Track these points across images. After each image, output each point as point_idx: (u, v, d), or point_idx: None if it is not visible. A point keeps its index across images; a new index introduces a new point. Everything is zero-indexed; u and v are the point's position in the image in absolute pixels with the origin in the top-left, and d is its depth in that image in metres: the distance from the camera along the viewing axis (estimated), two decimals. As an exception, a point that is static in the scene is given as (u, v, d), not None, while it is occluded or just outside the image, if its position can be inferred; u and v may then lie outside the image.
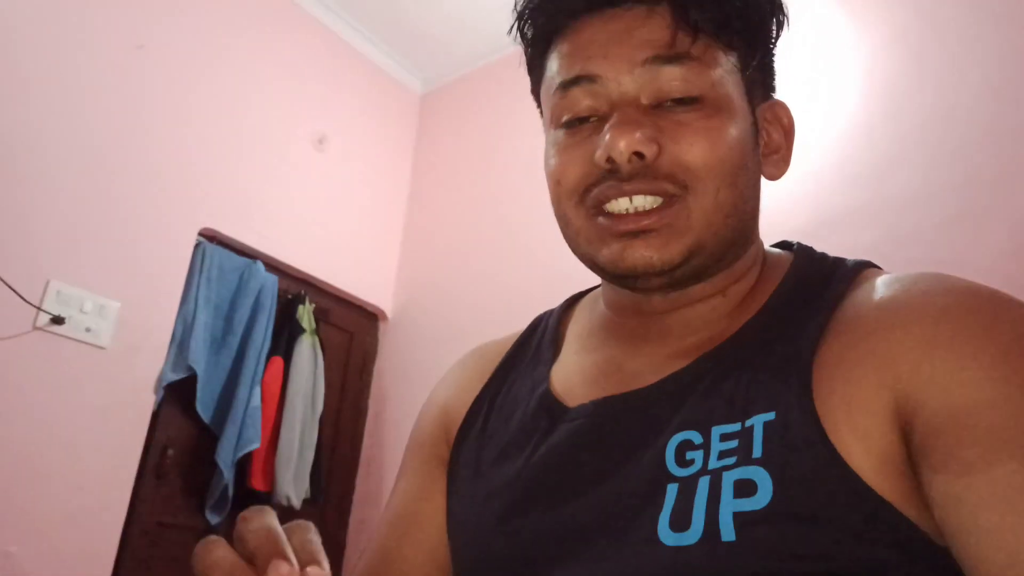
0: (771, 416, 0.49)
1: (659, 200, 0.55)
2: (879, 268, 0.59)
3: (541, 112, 0.67)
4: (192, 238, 2.66)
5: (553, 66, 0.61)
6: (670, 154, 0.54)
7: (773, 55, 0.63)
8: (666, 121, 0.55)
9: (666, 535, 0.47)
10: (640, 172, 0.54)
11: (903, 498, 0.44)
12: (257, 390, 2.68)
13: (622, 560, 0.49)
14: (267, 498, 2.69)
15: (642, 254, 0.55)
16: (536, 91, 0.68)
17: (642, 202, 0.55)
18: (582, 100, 0.57)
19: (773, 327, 0.55)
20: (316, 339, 2.99)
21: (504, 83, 3.38)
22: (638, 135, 0.53)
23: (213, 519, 2.57)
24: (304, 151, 3.11)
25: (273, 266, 2.92)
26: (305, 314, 2.97)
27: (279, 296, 2.89)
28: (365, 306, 3.33)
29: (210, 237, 2.75)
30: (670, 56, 0.55)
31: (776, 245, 0.67)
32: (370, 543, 0.70)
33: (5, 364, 2.10)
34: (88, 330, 2.28)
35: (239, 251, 2.83)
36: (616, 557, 0.50)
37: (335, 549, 3.07)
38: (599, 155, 0.55)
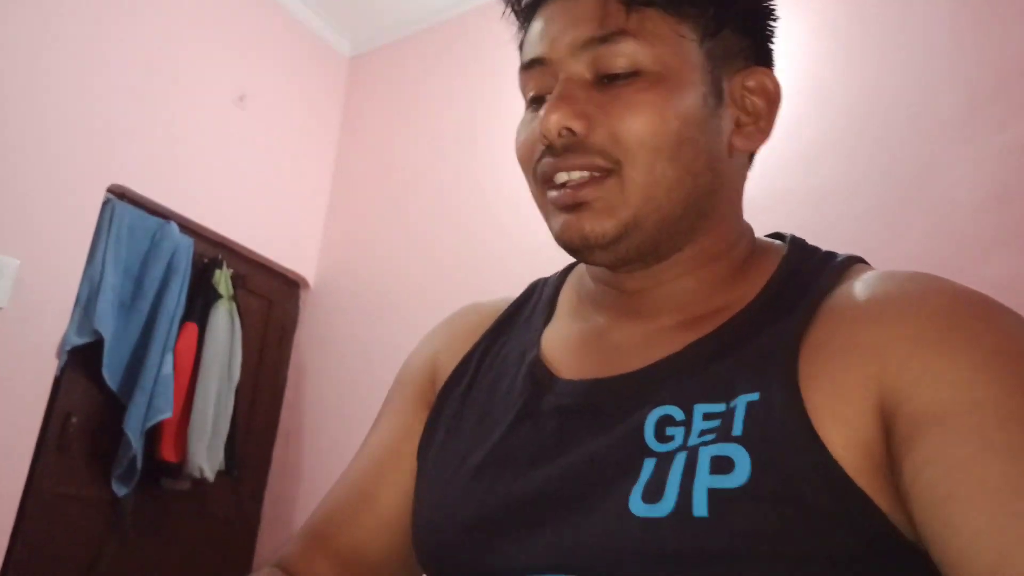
0: (755, 396, 0.49)
1: (590, 175, 0.56)
2: (868, 264, 0.59)
3: None
4: (100, 194, 2.50)
5: (524, 44, 0.63)
6: (604, 128, 0.55)
7: (758, 22, 0.62)
8: (605, 96, 0.55)
9: (637, 506, 0.47)
10: (572, 147, 0.55)
11: (878, 490, 0.44)
12: (169, 357, 2.56)
13: (589, 528, 0.49)
14: (178, 469, 2.59)
15: (577, 228, 0.56)
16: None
17: (577, 176, 0.56)
18: (535, 81, 0.60)
19: (765, 315, 0.55)
20: (233, 305, 2.87)
21: (436, 50, 3.30)
22: (567, 110, 0.54)
23: (120, 491, 2.45)
24: (224, 108, 2.97)
25: (188, 228, 2.79)
26: (222, 279, 2.86)
27: (194, 259, 2.76)
28: (286, 273, 3.23)
29: (120, 194, 2.59)
30: (604, 36, 0.55)
31: (769, 236, 0.67)
32: (341, 480, 0.69)
33: None
34: (-18, 289, 2.13)
35: (151, 211, 2.68)
36: (583, 525, 0.50)
37: (249, 523, 2.99)
38: (535, 130, 0.57)
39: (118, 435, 2.43)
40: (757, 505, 0.44)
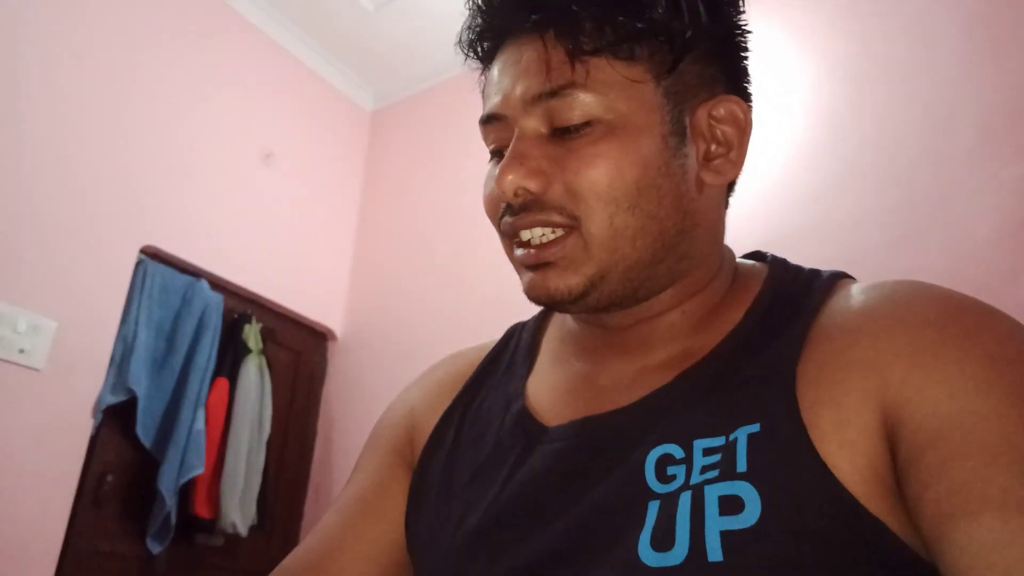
0: (755, 428, 0.47)
1: (557, 232, 0.55)
2: (853, 278, 0.58)
3: None
4: (133, 255, 2.57)
5: None
6: (560, 184, 0.54)
7: (724, 48, 0.58)
8: (561, 149, 0.54)
9: (648, 555, 0.45)
10: (529, 206, 0.55)
11: (889, 512, 0.44)
12: (201, 413, 2.60)
13: None
14: (212, 525, 2.60)
15: (544, 286, 0.55)
16: None
17: (539, 233, 0.55)
18: (493, 135, 0.59)
19: (754, 339, 0.54)
20: (263, 359, 2.91)
21: (456, 102, 3.37)
22: (521, 170, 0.54)
23: (155, 548, 2.46)
24: (251, 167, 3.05)
25: (218, 285, 2.84)
26: (251, 334, 2.90)
27: (224, 315, 2.82)
28: (314, 326, 3.27)
29: (152, 254, 2.66)
30: (553, 90, 0.54)
31: (748, 256, 0.66)
32: (312, 534, 0.66)
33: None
34: (22, 351, 2.19)
35: (182, 269, 2.75)
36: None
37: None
38: (492, 188, 0.57)
39: (152, 492, 2.46)
40: (772, 544, 0.43)
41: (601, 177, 0.53)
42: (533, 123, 0.55)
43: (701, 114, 0.57)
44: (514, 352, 0.70)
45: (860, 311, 0.50)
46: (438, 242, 3.18)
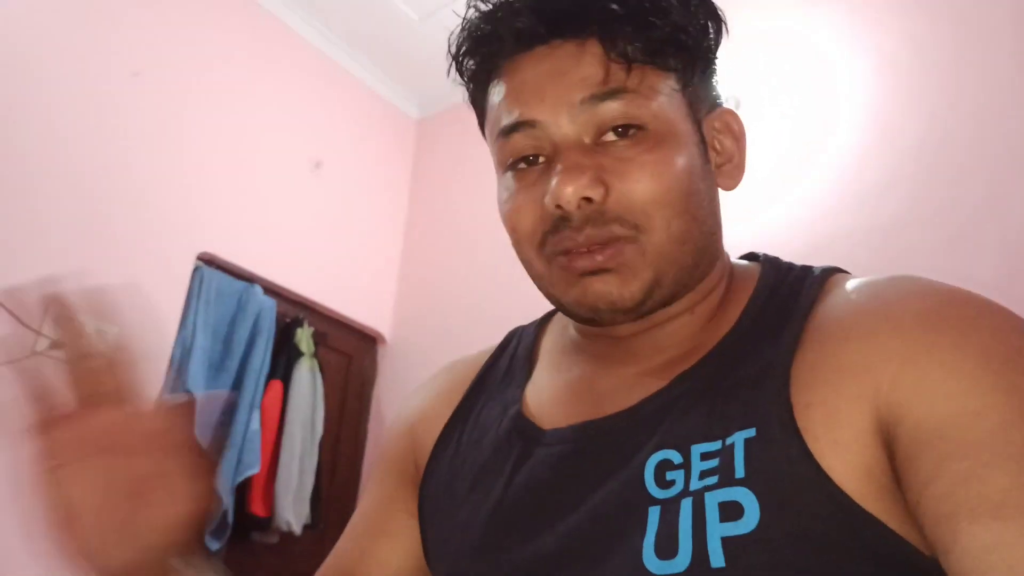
0: (751, 433, 0.47)
1: (611, 242, 0.54)
2: (847, 272, 0.58)
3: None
4: (190, 262, 2.67)
5: (494, 105, 0.60)
6: (617, 193, 0.53)
7: (714, 65, 0.60)
8: (609, 159, 0.54)
9: (652, 562, 0.46)
10: (591, 217, 0.53)
11: (885, 511, 0.43)
12: (256, 414, 2.68)
13: None
14: (267, 523, 2.68)
15: (604, 293, 0.54)
16: (482, 125, 0.67)
17: (596, 242, 0.54)
18: (525, 144, 0.57)
19: (748, 341, 0.54)
20: (315, 362, 2.99)
21: (500, 107, 3.40)
22: (584, 180, 0.52)
23: (213, 545, 2.54)
24: (301, 175, 3.13)
25: (271, 290, 2.93)
26: (303, 337, 2.98)
27: (277, 320, 2.90)
28: (363, 329, 3.34)
29: (208, 261, 2.75)
30: (606, 93, 0.53)
31: (742, 257, 0.66)
32: (327, 561, 0.68)
33: (4, 390, 2.10)
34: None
35: (237, 275, 2.83)
36: None
37: None
38: (548, 200, 0.54)
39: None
40: (772, 548, 0.43)
41: (659, 185, 0.53)
42: (577, 129, 0.54)
43: (707, 125, 0.59)
44: (512, 358, 0.69)
45: (851, 310, 0.50)
46: (483, 246, 3.21)
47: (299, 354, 2.94)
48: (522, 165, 0.58)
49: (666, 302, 0.56)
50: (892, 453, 0.44)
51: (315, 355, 3.00)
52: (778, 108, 2.43)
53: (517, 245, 0.59)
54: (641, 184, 0.53)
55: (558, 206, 0.53)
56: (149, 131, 2.61)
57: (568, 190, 0.52)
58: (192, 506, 0.49)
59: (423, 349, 3.27)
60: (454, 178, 3.50)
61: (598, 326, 0.58)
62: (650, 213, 0.53)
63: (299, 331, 2.97)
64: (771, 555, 0.43)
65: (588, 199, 0.53)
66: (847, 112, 2.31)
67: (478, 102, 0.64)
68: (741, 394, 0.50)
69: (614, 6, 0.53)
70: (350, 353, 3.30)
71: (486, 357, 0.72)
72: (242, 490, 2.62)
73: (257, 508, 2.66)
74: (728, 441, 0.48)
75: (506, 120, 0.57)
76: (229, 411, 2.64)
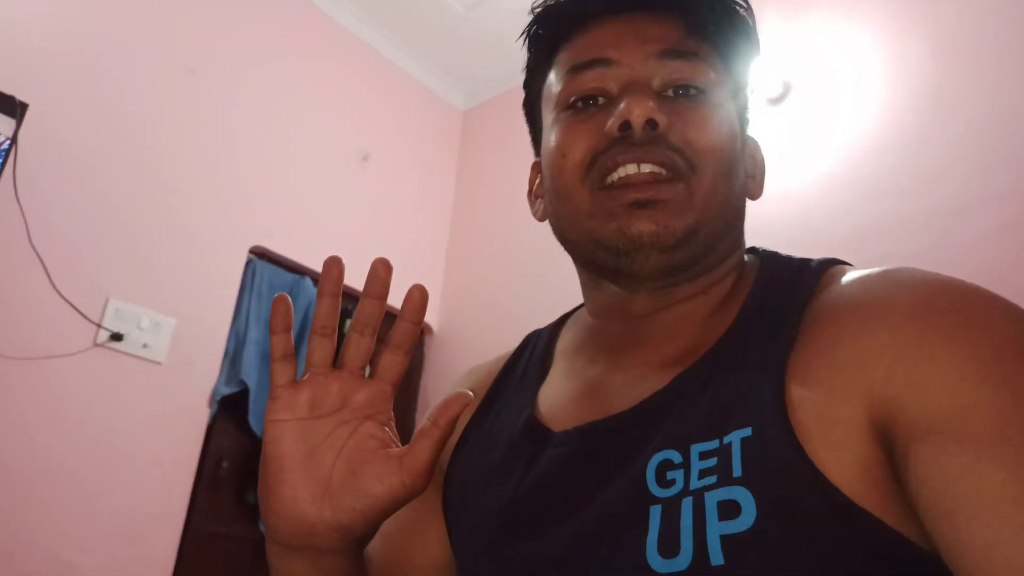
0: (747, 432, 0.48)
1: (665, 172, 0.57)
2: (846, 264, 0.58)
3: (531, 129, 0.72)
4: (243, 255, 2.73)
5: (562, 61, 0.64)
6: (679, 130, 0.57)
7: (749, 90, 0.66)
8: (674, 106, 0.58)
9: (655, 561, 0.47)
10: (653, 139, 0.56)
11: (879, 505, 0.43)
12: (307, 403, 2.73)
13: None
14: (317, 510, 2.74)
15: (648, 224, 0.55)
16: (529, 103, 0.71)
17: (648, 170, 0.56)
18: (593, 82, 0.60)
19: (747, 339, 0.54)
20: (363, 353, 3.03)
21: (545, 97, 3.40)
22: (653, 104, 0.56)
23: (261, 529, 2.61)
24: (349, 168, 3.18)
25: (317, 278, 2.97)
26: (353, 328, 3.02)
27: (327, 311, 2.94)
28: (411, 320, 3.37)
29: (260, 254, 2.81)
30: (681, 51, 0.59)
31: (747, 251, 0.67)
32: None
33: (67, 379, 2.18)
34: (145, 346, 2.36)
35: (288, 267, 2.89)
36: None
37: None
38: (612, 123, 0.57)
39: (264, 478, 2.60)
40: (769, 545, 0.43)
41: (717, 139, 0.58)
42: (646, 75, 0.58)
43: (752, 147, 0.66)
44: (528, 362, 0.72)
45: (843, 305, 0.50)
46: (530, 237, 3.22)
47: (348, 345, 2.98)
48: (580, 105, 0.61)
49: (692, 262, 0.58)
50: (889, 449, 0.44)
51: (364, 346, 3.04)
52: (830, 91, 2.38)
53: (559, 174, 0.61)
54: (702, 131, 0.57)
55: (623, 126, 0.56)
56: (203, 126, 2.68)
57: (637, 109, 0.55)
58: (398, 485, 0.50)
59: (469, 341, 3.30)
60: (500, 168, 3.51)
61: (624, 271, 0.59)
62: (705, 159, 0.57)
63: (348, 322, 3.01)
64: (768, 552, 0.43)
65: (654, 124, 0.55)
66: (902, 93, 2.24)
67: (538, 70, 0.68)
68: (738, 393, 0.50)
69: None
70: (398, 344, 3.34)
71: (504, 361, 0.74)
72: (294, 478, 2.68)
73: (309, 495, 2.72)
74: (726, 440, 0.48)
75: (579, 59, 0.61)
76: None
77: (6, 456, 2.05)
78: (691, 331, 0.59)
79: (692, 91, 0.59)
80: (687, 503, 0.47)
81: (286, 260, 2.88)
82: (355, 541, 0.52)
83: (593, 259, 0.61)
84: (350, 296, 3.20)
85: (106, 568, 2.19)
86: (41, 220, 2.19)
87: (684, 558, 0.45)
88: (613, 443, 0.55)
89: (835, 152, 2.31)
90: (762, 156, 0.67)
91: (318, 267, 2.92)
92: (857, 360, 0.46)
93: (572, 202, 0.60)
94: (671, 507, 0.48)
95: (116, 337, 2.28)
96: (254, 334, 2.68)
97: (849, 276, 0.53)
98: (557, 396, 0.64)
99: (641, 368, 0.59)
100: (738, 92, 0.63)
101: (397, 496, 0.50)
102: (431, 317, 3.42)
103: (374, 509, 0.50)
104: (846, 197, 2.22)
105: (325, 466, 0.51)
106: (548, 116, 0.65)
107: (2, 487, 2.03)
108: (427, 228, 3.51)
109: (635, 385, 0.58)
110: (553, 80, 0.64)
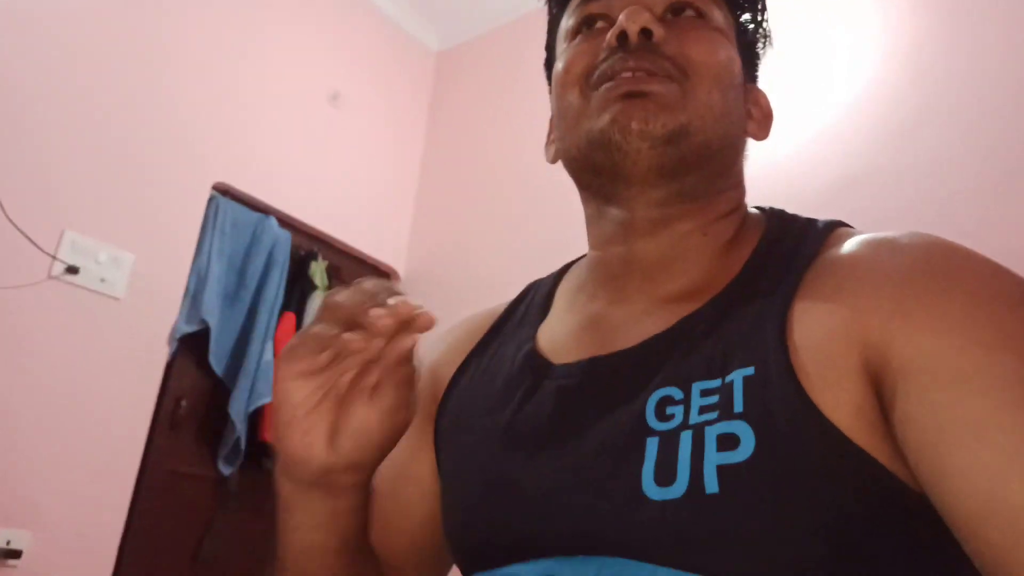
0: (750, 371, 0.50)
1: (667, 83, 0.59)
2: (850, 227, 0.60)
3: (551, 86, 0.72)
4: (206, 192, 2.65)
5: (569, 8, 0.68)
6: (674, 44, 0.59)
7: (759, 42, 0.69)
8: (672, 25, 0.61)
9: (651, 489, 0.48)
10: (648, 47, 0.58)
11: (876, 447, 0.45)
12: (270, 345, 2.70)
13: (607, 514, 0.50)
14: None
15: (639, 112, 0.57)
16: (549, 63, 0.73)
17: (653, 70, 0.59)
18: (597, 8, 0.64)
19: (751, 286, 0.57)
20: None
21: (523, 44, 3.32)
22: (648, 16, 0.58)
23: (226, 470, 2.60)
24: (318, 107, 3.09)
25: (286, 222, 2.92)
26: (318, 271, 2.98)
27: (292, 252, 2.90)
28: (378, 265, 3.33)
29: (223, 191, 2.74)
30: None
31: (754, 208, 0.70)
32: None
33: (20, 312, 2.12)
34: (103, 280, 2.30)
35: (252, 206, 2.82)
36: (600, 511, 0.51)
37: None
38: (610, 35, 0.59)
39: (224, 418, 2.58)
40: (764, 476, 0.45)
41: (712, 54, 0.60)
42: (648, 1, 0.61)
43: (757, 96, 0.69)
44: (529, 304, 0.74)
45: (847, 261, 0.52)
46: (502, 183, 3.18)
47: (313, 287, 2.94)
48: (584, 30, 0.65)
49: (686, 169, 0.59)
50: (880, 389, 0.46)
51: (328, 289, 3.01)
52: (808, 39, 2.35)
53: (562, 91, 0.64)
54: (697, 45, 0.60)
55: (620, 36, 0.59)
56: (166, 58, 2.57)
57: (634, 18, 0.58)
58: (385, 422, 0.54)
59: (437, 286, 3.27)
60: (473, 112, 3.44)
61: (621, 181, 0.60)
62: (699, 70, 0.59)
63: (313, 264, 2.98)
64: (763, 482, 0.45)
65: (649, 33, 0.58)
66: (880, 46, 2.23)
67: (554, 23, 0.72)
68: (742, 336, 0.53)
69: None
70: (364, 288, 3.31)
71: (503, 308, 0.76)
72: (255, 418, 2.66)
73: (269, 436, 2.70)
74: (728, 379, 0.50)
75: None
76: (243, 342, 2.66)
77: (-44, 389, 1.99)
78: (694, 271, 0.61)
79: (690, 12, 0.62)
80: (686, 435, 0.49)
81: (250, 198, 2.82)
82: (367, 475, 0.58)
83: (592, 164, 0.61)
84: (316, 239, 3.15)
85: (64, 505, 2.16)
86: (-7, 146, 2.10)
87: (679, 486, 0.47)
88: (613, 379, 0.57)
89: (812, 107, 2.30)
90: (767, 102, 0.70)
91: (284, 207, 2.88)
92: (856, 307, 0.48)
93: (570, 112, 0.63)
94: (669, 439, 0.50)
95: (72, 270, 2.22)
96: (216, 272, 2.63)
97: (856, 237, 0.55)
98: (557, 331, 0.66)
99: (644, 304, 0.61)
100: (744, 33, 0.66)
101: (386, 433, 0.55)
102: (398, 262, 3.38)
103: (372, 445, 0.55)
104: (822, 150, 2.22)
105: (333, 412, 0.54)
106: (562, 41, 0.68)
107: (-48, 420, 1.99)
108: (396, 171, 3.45)
109: (638, 321, 0.60)
110: (563, 20, 0.69)
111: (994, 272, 0.48)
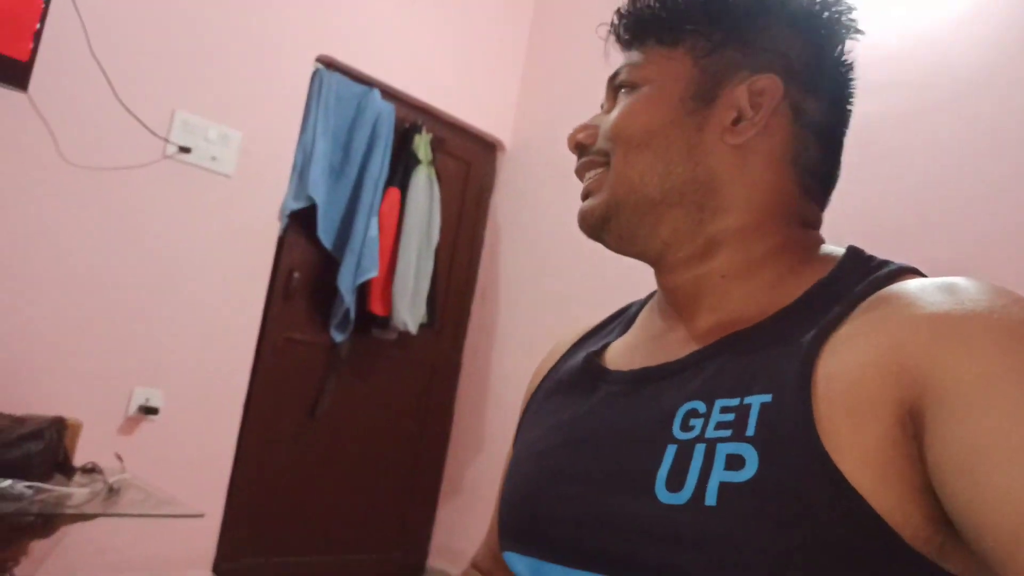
0: (768, 398, 0.52)
1: (595, 171, 0.69)
2: (920, 273, 0.59)
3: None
4: (309, 65, 2.66)
5: None
6: (602, 131, 0.69)
7: (751, 41, 0.66)
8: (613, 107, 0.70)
9: (662, 492, 0.53)
10: (582, 151, 0.70)
11: (877, 492, 0.46)
12: (374, 220, 2.76)
13: (622, 508, 0.56)
14: (386, 322, 2.85)
15: (583, 209, 0.69)
16: None
17: (589, 176, 0.70)
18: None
19: (798, 316, 0.58)
20: (432, 170, 3.00)
21: None
22: (581, 135, 0.70)
23: (337, 337, 2.76)
24: (422, -29, 2.97)
25: (390, 94, 2.90)
26: (422, 144, 2.98)
27: (396, 125, 2.89)
28: (483, 136, 3.29)
29: (327, 64, 2.74)
30: (617, 72, 0.71)
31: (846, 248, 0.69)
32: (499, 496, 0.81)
33: (139, 192, 2.25)
34: (214, 159, 2.39)
35: (356, 79, 2.81)
36: (616, 505, 0.56)
37: (451, 369, 3.26)
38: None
39: (334, 289, 2.71)
40: (760, 498, 0.48)
41: (621, 120, 0.66)
42: (611, 94, 0.72)
43: (741, 89, 0.64)
44: (617, 319, 0.81)
45: (897, 297, 0.53)
46: (610, 55, 3.00)
47: (417, 161, 2.95)
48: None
49: (636, 227, 0.66)
50: (912, 424, 0.46)
51: (433, 162, 3.01)
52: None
53: None
54: (610, 121, 0.67)
55: (573, 149, 0.72)
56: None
57: (569, 138, 0.71)
58: None
59: (542, 157, 3.21)
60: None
61: (596, 239, 0.70)
62: (613, 143, 0.66)
63: (417, 137, 2.97)
64: (757, 504, 0.48)
65: (581, 145, 0.71)
66: None
67: None
68: (771, 362, 0.55)
69: (625, 7, 0.71)
70: (469, 160, 3.29)
71: (596, 322, 0.83)
72: (363, 291, 2.78)
73: (376, 308, 2.83)
74: (747, 400, 0.53)
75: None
76: (349, 217, 2.74)
77: (80, 267, 2.17)
78: (741, 305, 0.64)
79: (623, 90, 0.69)
80: (700, 448, 0.53)
81: (354, 71, 2.80)
82: None
83: None
84: (420, 111, 3.14)
85: (192, 369, 2.37)
86: (102, 29, 2.16)
87: (685, 494, 0.52)
88: (655, 388, 0.62)
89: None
90: (767, 92, 0.64)
91: (387, 79, 2.86)
92: (894, 336, 0.49)
93: None
94: (685, 449, 0.54)
95: (184, 150, 2.32)
96: (322, 147, 2.67)
97: (916, 282, 0.55)
98: (625, 345, 0.73)
99: (692, 331, 0.66)
100: (702, 56, 0.66)
101: None
102: (504, 133, 3.32)
103: None
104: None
105: None
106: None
107: (79, 297, 2.18)
108: (503, 41, 3.32)
109: (687, 341, 0.65)
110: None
111: None
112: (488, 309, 3.28)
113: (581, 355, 0.75)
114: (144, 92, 2.25)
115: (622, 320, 0.80)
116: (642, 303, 0.79)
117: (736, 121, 0.64)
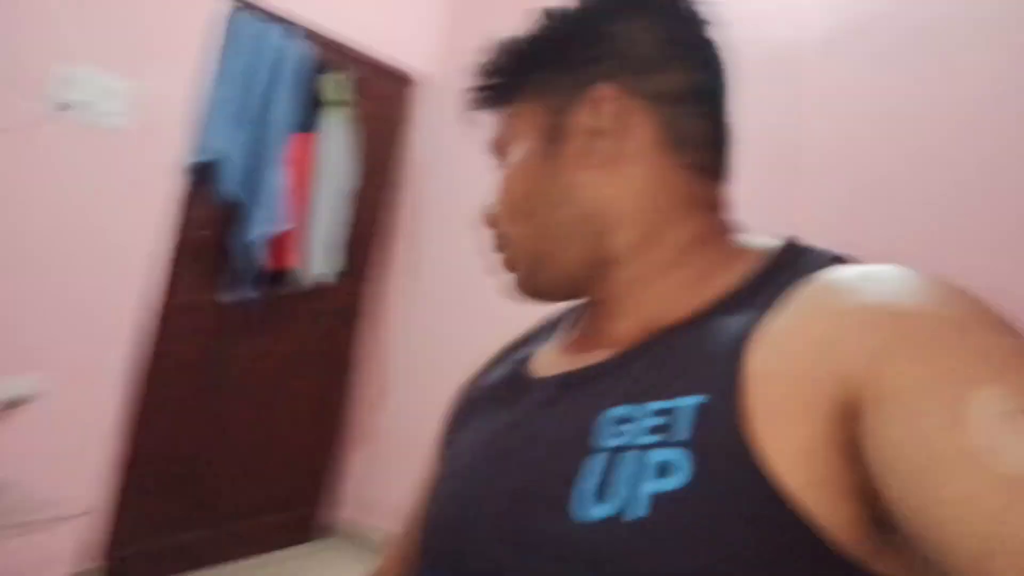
0: (701, 399, 0.50)
1: (508, 250, 0.69)
2: (852, 261, 0.57)
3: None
4: (206, 3, 2.46)
5: None
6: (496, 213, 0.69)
7: (568, 59, 0.65)
8: None
9: (582, 508, 0.50)
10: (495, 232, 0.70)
11: (812, 497, 0.44)
12: (283, 168, 2.64)
13: (538, 528, 0.53)
14: (300, 274, 2.77)
15: (512, 285, 0.70)
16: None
17: (499, 255, 0.70)
18: None
19: (728, 311, 0.56)
20: (348, 111, 2.86)
21: None
22: (486, 220, 0.71)
23: (244, 295, 2.67)
24: None
25: (297, 32, 2.72)
26: (331, 84, 2.82)
27: (305, 65, 2.72)
28: (410, 73, 3.13)
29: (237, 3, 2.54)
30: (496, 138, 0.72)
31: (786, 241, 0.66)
32: (415, 504, 0.79)
33: (21, 155, 2.10)
34: (102, 114, 2.23)
35: (258, 16, 2.62)
36: (533, 524, 0.53)
37: (372, 319, 3.22)
38: None
39: (242, 246, 2.60)
40: (691, 506, 0.46)
41: (502, 198, 0.68)
42: (496, 159, 0.72)
43: (583, 113, 0.63)
44: (544, 328, 0.80)
45: (831, 289, 0.51)
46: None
47: (329, 102, 2.80)
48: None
49: (571, 284, 0.67)
50: (855, 420, 0.44)
51: (346, 102, 2.86)
52: None
53: None
54: (497, 201, 0.69)
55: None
56: None
57: (480, 224, 0.72)
58: None
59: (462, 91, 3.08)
60: None
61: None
62: (506, 220, 0.67)
63: (329, 77, 2.81)
64: (689, 512, 0.46)
65: (491, 223, 0.71)
66: None
67: None
68: (702, 361, 0.53)
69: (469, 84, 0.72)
70: (384, 96, 3.13)
71: (524, 333, 0.83)
72: (275, 241, 2.68)
73: (290, 260, 2.74)
74: (680, 403, 0.51)
75: None
76: (254, 167, 2.61)
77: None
78: (667, 306, 0.62)
79: (502, 167, 0.69)
80: (630, 456, 0.50)
81: (255, 6, 2.61)
82: None
83: None
84: (331, 48, 2.95)
85: (69, 354, 2.28)
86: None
87: (613, 504, 0.49)
88: (578, 392, 0.60)
89: None
90: (602, 108, 0.63)
91: (301, 14, 2.64)
92: (829, 337, 0.47)
93: None
94: (614, 457, 0.51)
95: (66, 107, 2.15)
96: (223, 94, 2.51)
97: (845, 272, 0.52)
98: (549, 350, 0.72)
99: (618, 331, 0.64)
100: (537, 98, 0.66)
101: None
102: (424, 66, 3.17)
103: None
104: None
105: None
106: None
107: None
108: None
109: (613, 342, 0.63)
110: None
111: (974, 302, 0.47)
112: (413, 252, 3.22)
113: (508, 365, 0.74)
114: (18, 45, 2.06)
115: (548, 326, 0.79)
116: (569, 308, 0.78)
117: (593, 141, 0.63)
